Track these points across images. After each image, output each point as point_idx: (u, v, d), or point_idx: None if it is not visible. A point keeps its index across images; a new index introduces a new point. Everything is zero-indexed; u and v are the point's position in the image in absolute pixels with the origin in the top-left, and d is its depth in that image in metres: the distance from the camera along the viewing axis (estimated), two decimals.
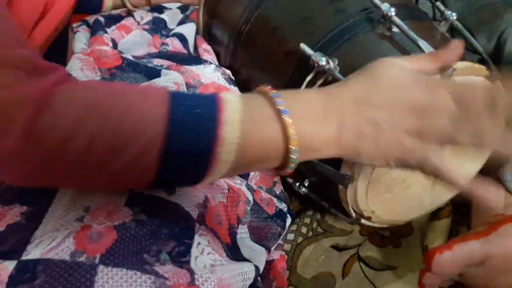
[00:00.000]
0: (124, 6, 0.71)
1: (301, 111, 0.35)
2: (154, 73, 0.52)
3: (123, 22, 0.66)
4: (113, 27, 0.65)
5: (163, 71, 0.52)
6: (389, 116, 0.35)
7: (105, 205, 0.36)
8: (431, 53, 0.39)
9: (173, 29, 0.67)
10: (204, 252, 0.37)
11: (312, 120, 0.35)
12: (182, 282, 0.32)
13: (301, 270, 0.55)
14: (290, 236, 0.58)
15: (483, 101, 0.35)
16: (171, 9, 0.72)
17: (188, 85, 0.52)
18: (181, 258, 0.35)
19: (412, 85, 0.35)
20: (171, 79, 0.48)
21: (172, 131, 0.31)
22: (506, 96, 0.36)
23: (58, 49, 0.47)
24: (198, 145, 0.32)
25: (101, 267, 0.31)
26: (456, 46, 0.40)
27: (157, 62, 0.55)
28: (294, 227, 0.59)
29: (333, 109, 0.35)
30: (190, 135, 0.32)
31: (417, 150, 0.35)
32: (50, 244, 0.32)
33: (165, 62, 0.55)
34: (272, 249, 0.49)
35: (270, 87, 0.36)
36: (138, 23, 0.68)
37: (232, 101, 0.34)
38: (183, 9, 0.73)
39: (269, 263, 0.49)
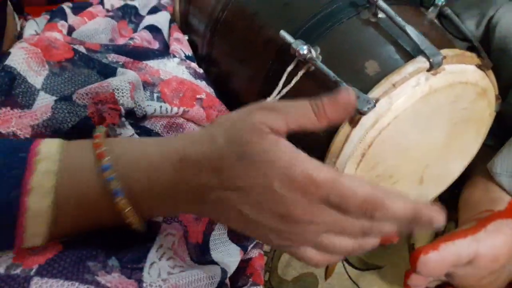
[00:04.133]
0: None
1: (140, 188, 0.30)
2: (109, 70, 0.47)
3: (90, 8, 0.62)
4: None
5: (119, 70, 0.48)
6: (255, 211, 0.29)
7: None
8: (312, 108, 0.30)
9: (144, 16, 0.64)
10: (164, 257, 0.35)
11: (156, 199, 0.31)
12: None
13: (282, 272, 0.53)
14: None
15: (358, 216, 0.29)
16: None
17: (146, 84, 0.49)
18: (134, 265, 0.32)
19: (286, 183, 0.27)
20: (126, 79, 0.45)
21: None
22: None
23: None
24: None
25: (35, 279, 0.28)
26: (348, 98, 0.30)
27: (112, 57, 0.51)
28: None
29: (187, 189, 0.30)
30: None
31: (281, 243, 0.30)
32: None
33: (121, 58, 0.51)
34: (250, 247, 0.47)
35: (103, 145, 0.30)
36: (108, 10, 0.64)
37: (48, 158, 0.29)
38: None
39: (246, 261, 0.47)
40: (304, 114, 0.30)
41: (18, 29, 0.55)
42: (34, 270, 0.29)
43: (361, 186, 0.27)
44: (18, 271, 0.29)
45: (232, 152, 0.28)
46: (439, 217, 0.28)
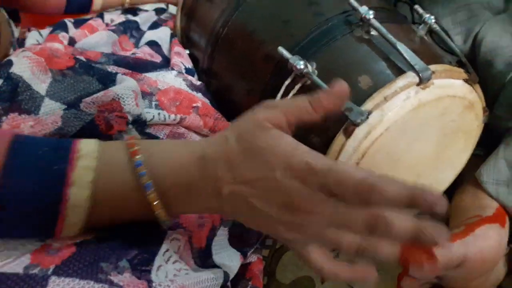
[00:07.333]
0: (121, 4, 0.69)
1: (168, 183, 0.33)
2: (109, 78, 0.49)
3: (90, 21, 0.64)
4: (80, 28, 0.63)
5: (119, 76, 0.50)
6: (264, 203, 0.31)
7: None
8: (311, 102, 0.34)
9: (145, 31, 0.66)
10: (170, 261, 0.37)
11: (181, 194, 0.34)
12: None
13: (280, 276, 0.55)
14: (269, 242, 0.57)
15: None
16: (146, 11, 0.71)
17: (144, 93, 0.50)
18: (142, 267, 0.34)
19: (287, 171, 0.30)
20: (129, 87, 0.47)
21: (5, 188, 0.30)
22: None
23: None
24: (40, 204, 0.31)
25: (53, 278, 0.30)
26: (341, 89, 0.34)
27: (112, 68, 0.52)
28: None
29: (206, 184, 0.33)
30: (30, 192, 0.31)
31: (289, 236, 0.32)
32: (4, 261, 0.31)
33: (121, 70, 0.53)
34: (249, 253, 0.49)
35: (136, 145, 0.34)
36: (107, 24, 0.66)
37: (87, 156, 0.33)
38: (158, 11, 0.71)
39: (245, 266, 0.49)
40: (302, 107, 0.34)
41: (16, 36, 0.57)
42: (51, 270, 0.31)
43: (356, 170, 0.29)
44: (36, 271, 0.31)
45: (240, 148, 0.32)
46: (440, 200, 0.27)
